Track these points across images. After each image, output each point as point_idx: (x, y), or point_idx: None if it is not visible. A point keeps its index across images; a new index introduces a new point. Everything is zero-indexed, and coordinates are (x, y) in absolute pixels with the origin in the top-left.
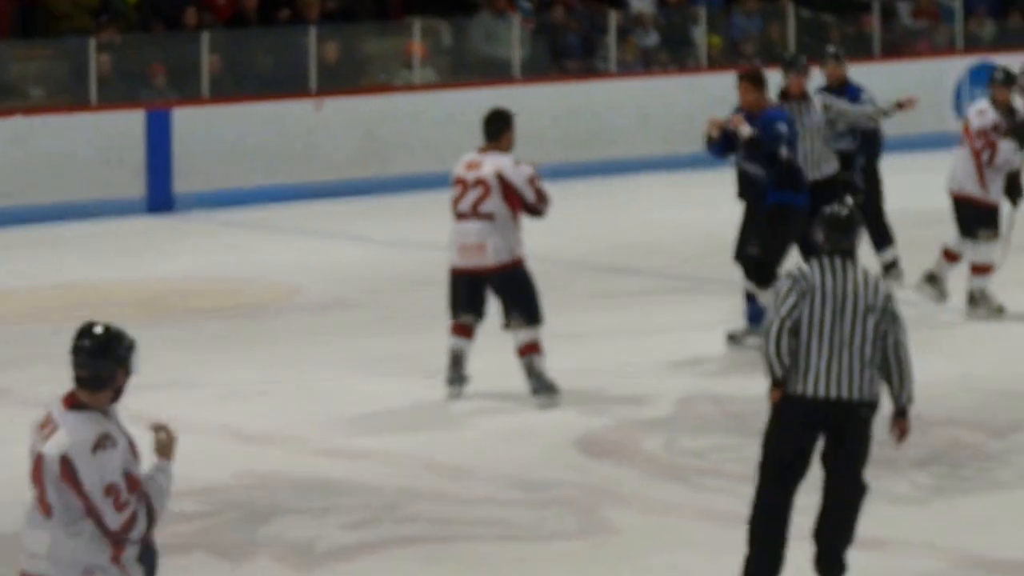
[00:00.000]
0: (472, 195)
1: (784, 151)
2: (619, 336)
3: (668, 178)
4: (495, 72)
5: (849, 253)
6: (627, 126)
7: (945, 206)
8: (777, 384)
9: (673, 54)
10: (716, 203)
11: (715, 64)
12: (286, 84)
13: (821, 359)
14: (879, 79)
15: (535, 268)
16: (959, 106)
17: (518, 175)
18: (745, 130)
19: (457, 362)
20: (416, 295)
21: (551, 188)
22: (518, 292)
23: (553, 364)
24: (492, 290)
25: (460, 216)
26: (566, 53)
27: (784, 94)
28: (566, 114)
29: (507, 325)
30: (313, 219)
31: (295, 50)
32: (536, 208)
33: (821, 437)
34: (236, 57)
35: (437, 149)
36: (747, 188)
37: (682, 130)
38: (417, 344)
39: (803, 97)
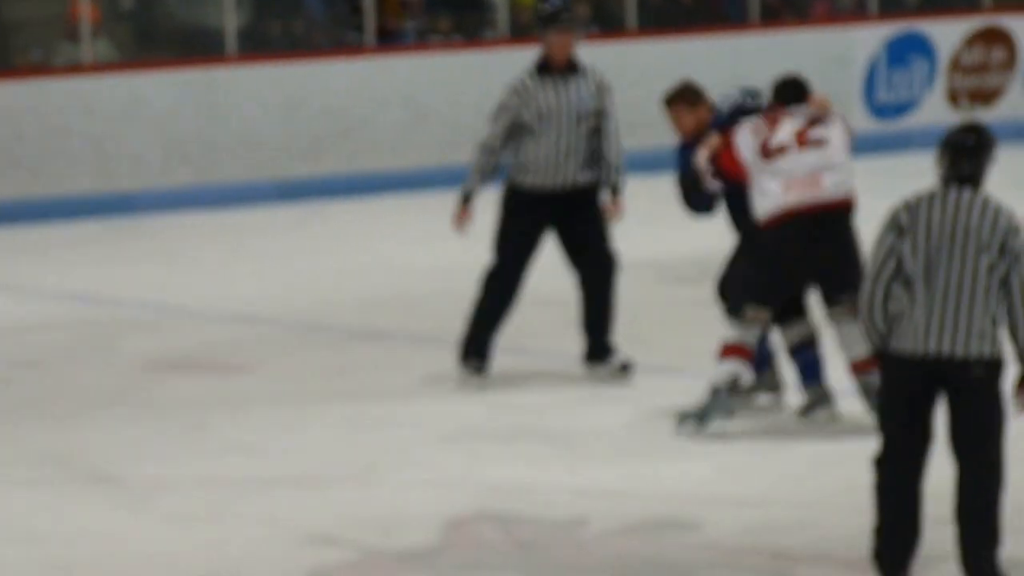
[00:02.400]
0: None
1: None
2: (363, 425)
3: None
4: (199, 47)
5: (969, 181)
6: (389, 125)
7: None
8: (879, 353)
9: (459, 20)
10: None
11: (523, 34)
12: None
13: (921, 309)
14: (754, 58)
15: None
16: (871, 95)
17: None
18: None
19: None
20: (73, 369)
21: (272, 212)
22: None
23: (271, 471)
24: None
25: None
26: (303, 21)
27: (544, 66)
28: (298, 106)
29: None
30: None
31: None
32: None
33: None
34: None
35: (114, 158)
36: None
37: (469, 131)
38: (80, 437)
39: (570, 68)
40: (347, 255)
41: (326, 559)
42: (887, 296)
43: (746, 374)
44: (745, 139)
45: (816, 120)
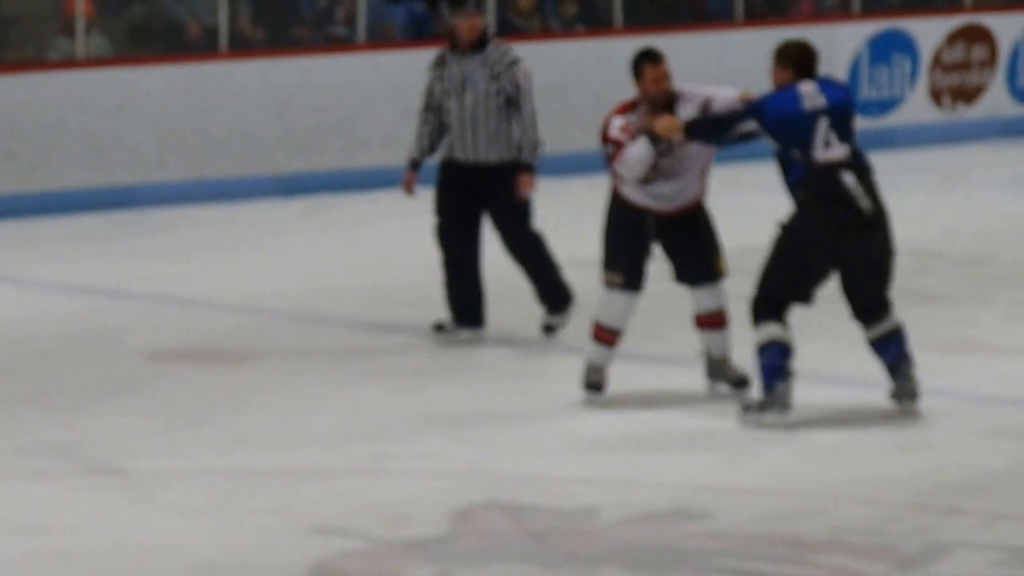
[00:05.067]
0: None
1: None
2: (368, 416)
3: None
4: (192, 43)
5: None
6: (382, 119)
7: None
8: None
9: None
10: None
11: (514, 31)
12: None
13: None
14: (738, 55)
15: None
16: (854, 93)
17: None
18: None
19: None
20: (75, 361)
21: (269, 206)
22: None
23: (277, 462)
24: None
25: None
26: (297, 17)
27: (453, 42)
28: (293, 101)
29: None
30: None
31: None
32: None
33: None
34: None
35: (109, 152)
36: None
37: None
38: (83, 429)
39: (476, 47)
40: (346, 248)
41: (333, 549)
42: None
43: None
44: None
45: None
